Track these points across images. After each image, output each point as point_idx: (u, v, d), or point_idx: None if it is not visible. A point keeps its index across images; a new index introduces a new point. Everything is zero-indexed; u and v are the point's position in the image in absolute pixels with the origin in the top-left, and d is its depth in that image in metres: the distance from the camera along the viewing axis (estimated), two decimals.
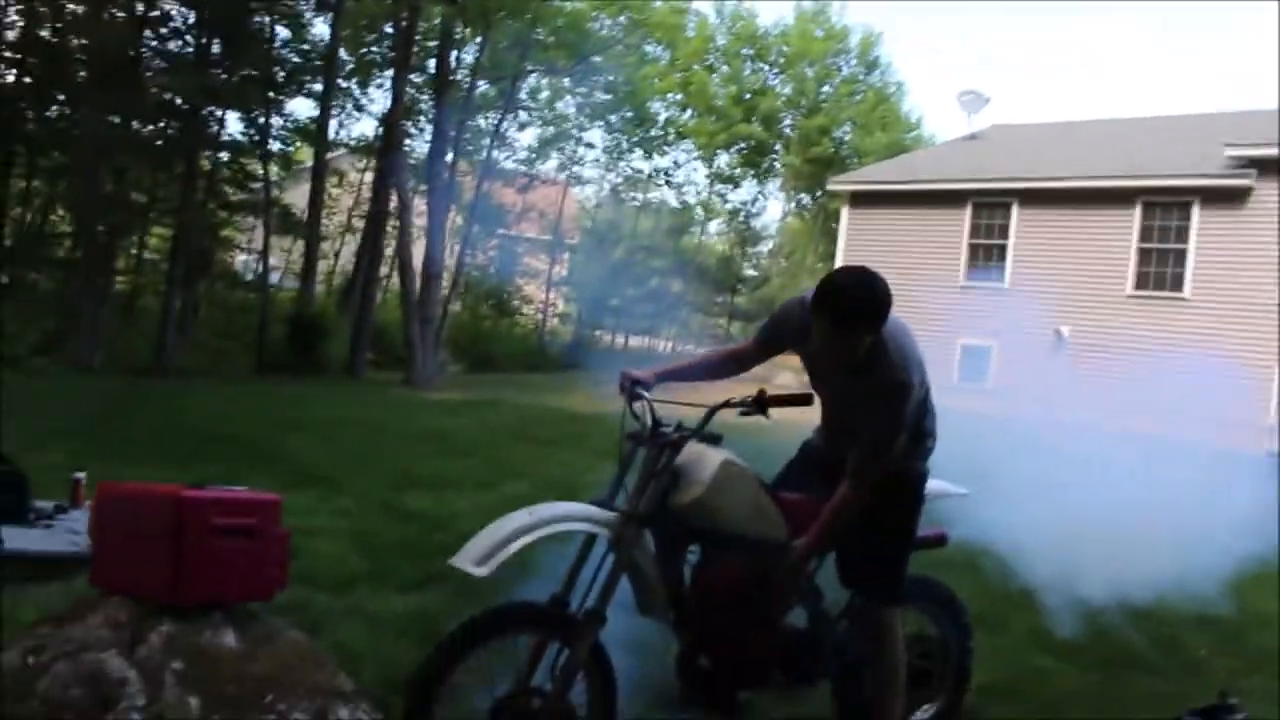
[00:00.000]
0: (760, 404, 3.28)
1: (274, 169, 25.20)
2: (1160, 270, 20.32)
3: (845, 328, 3.19)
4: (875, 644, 3.49)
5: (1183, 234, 20.08)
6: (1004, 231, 21.92)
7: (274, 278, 31.78)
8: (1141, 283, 20.43)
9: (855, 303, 3.17)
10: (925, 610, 4.08)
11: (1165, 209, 20.30)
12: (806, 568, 3.49)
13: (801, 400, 3.31)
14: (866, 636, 3.55)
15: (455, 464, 9.09)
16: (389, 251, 27.08)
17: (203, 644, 3.46)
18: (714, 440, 3.44)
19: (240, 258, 32.91)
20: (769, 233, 40.83)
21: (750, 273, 39.97)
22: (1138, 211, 20.45)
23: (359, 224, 31.21)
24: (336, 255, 34.03)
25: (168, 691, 3.28)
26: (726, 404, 3.34)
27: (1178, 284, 20.02)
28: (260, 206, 23.89)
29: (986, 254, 22.08)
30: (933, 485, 3.97)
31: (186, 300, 23.36)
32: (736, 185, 38.10)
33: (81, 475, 6.03)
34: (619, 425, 3.45)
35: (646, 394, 3.48)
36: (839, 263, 24.26)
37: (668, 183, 37.50)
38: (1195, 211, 19.86)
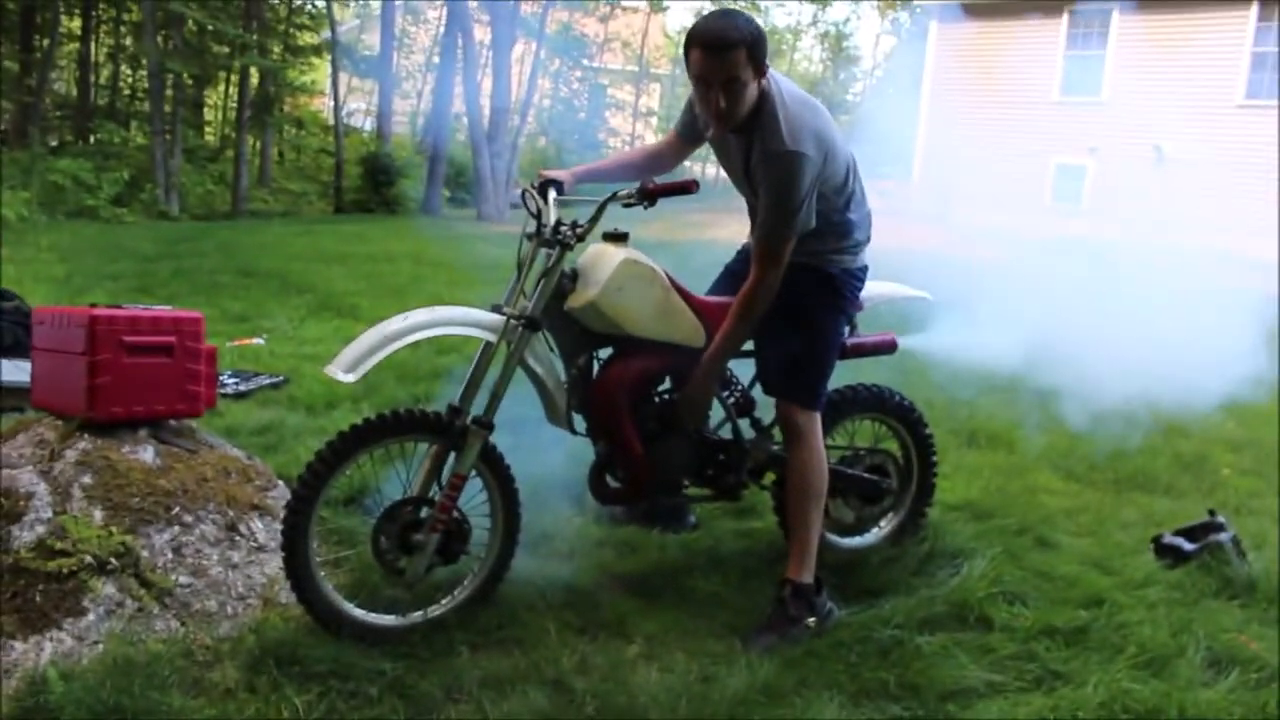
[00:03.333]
0: (644, 195, 3.02)
1: (342, 9, 24.90)
2: (1275, 76, 18.89)
3: (720, 56, 2.89)
4: (788, 451, 3.28)
5: None
6: (1102, 41, 20.53)
7: (358, 121, 31.89)
8: (1253, 91, 19.05)
9: (727, 26, 2.90)
10: (881, 422, 3.84)
11: None
12: (718, 371, 3.27)
13: (685, 189, 3.04)
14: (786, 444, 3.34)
15: (488, 292, 8.86)
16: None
17: (116, 459, 3.43)
18: (619, 239, 3.20)
19: (328, 103, 32.98)
20: (862, 54, 39.23)
21: (846, 97, 38.61)
22: (1253, 10, 18.90)
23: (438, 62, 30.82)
24: (418, 96, 33.81)
25: (74, 504, 3.26)
26: (613, 198, 3.09)
27: None
28: (327, 48, 23.66)
29: (1084, 66, 20.77)
30: (885, 287, 3.70)
31: (264, 146, 23.50)
32: (828, 5, 36.48)
33: None
34: (522, 228, 3.24)
35: (558, 194, 3.24)
36: (928, 83, 23.19)
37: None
38: None
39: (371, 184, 22.87)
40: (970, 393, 6.17)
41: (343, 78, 27.37)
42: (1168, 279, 7.59)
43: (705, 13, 3.05)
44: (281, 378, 5.78)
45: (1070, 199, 19.64)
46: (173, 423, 3.75)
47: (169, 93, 22.00)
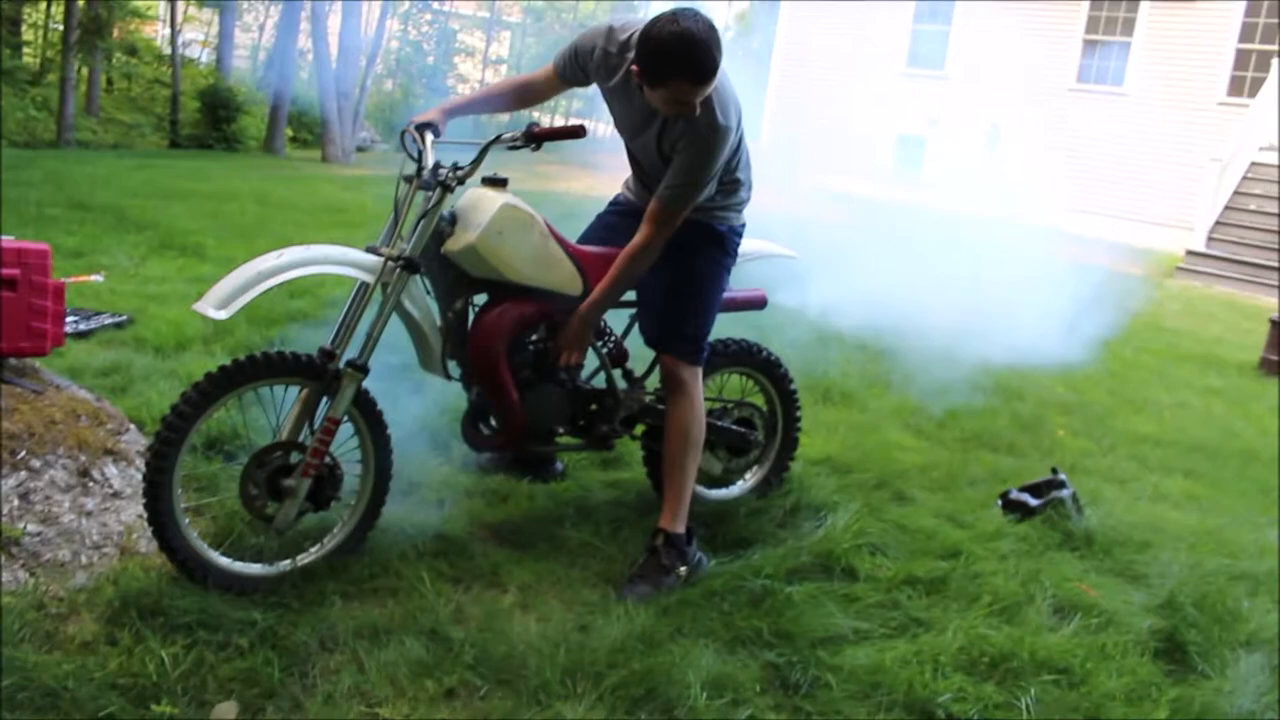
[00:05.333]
0: (530, 138, 2.98)
1: None
2: (1103, 64, 19.86)
3: (708, 82, 2.86)
4: (669, 403, 3.31)
5: (1129, 26, 19.55)
6: (947, 17, 21.18)
7: (194, 53, 30.36)
8: (1083, 76, 19.99)
9: (709, 49, 2.82)
10: (748, 376, 3.91)
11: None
12: (595, 320, 3.27)
13: (573, 133, 3.01)
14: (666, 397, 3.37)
15: (339, 235, 8.72)
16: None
17: None
18: (498, 184, 3.15)
19: (162, 31, 31.32)
20: (714, 14, 39.31)
21: None
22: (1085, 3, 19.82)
23: None
24: (260, 29, 32.38)
25: None
26: (497, 139, 3.04)
27: (1119, 78, 19.61)
28: None
29: (928, 41, 21.39)
30: (758, 245, 3.75)
31: (92, 73, 22.14)
32: None
33: None
34: (399, 170, 3.15)
35: (433, 136, 3.16)
36: (778, 51, 23.48)
37: None
38: (1142, 4, 19.27)
39: (210, 119, 21.84)
40: (820, 351, 6.34)
41: (179, 5, 25.99)
42: (1000, 250, 7.97)
43: (661, 20, 2.85)
44: (125, 317, 5.50)
45: (911, 168, 20.26)
46: (14, 361, 3.54)
47: None
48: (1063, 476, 4.20)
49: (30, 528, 2.98)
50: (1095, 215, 17.98)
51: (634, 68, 2.92)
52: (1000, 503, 4.17)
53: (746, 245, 3.54)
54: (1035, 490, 4.15)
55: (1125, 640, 3.14)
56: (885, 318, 6.72)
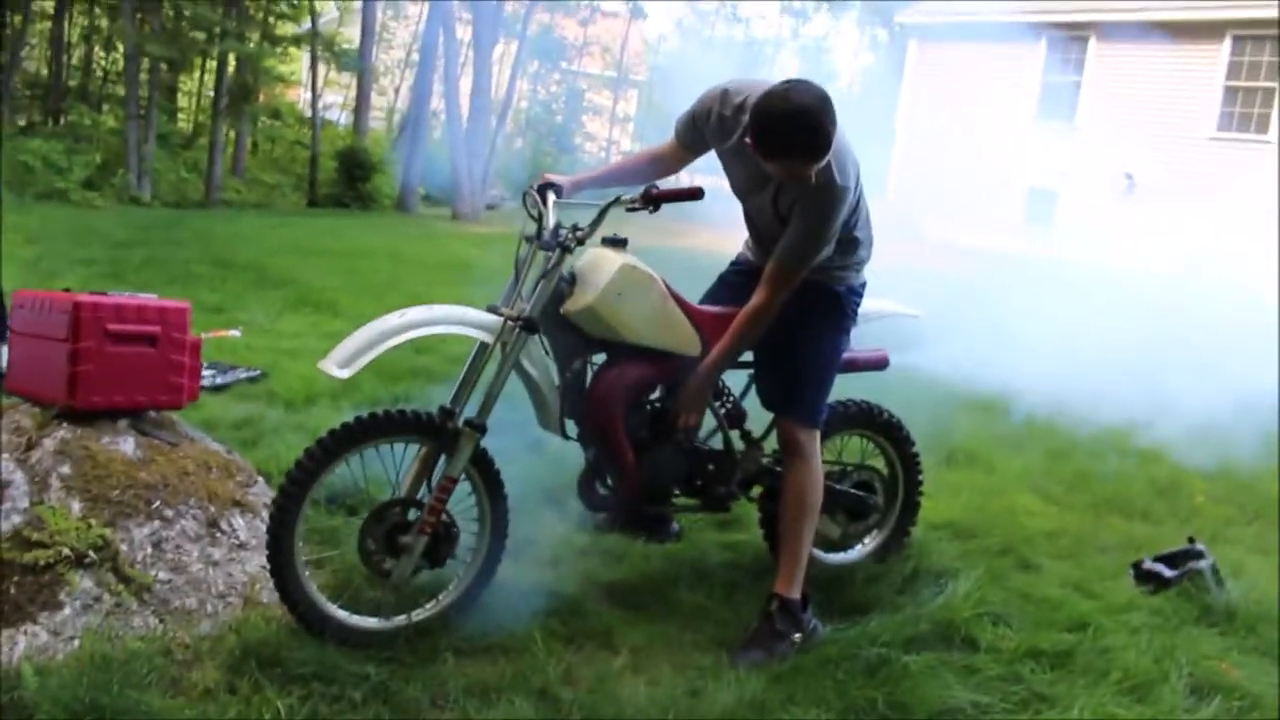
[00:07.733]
0: (648, 200, 3.00)
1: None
2: (1245, 111, 19.16)
3: (821, 158, 2.86)
4: (786, 467, 3.27)
5: (1274, 71, 18.83)
6: (1079, 67, 20.74)
7: (333, 115, 31.66)
8: (1224, 124, 19.31)
9: (829, 129, 2.81)
10: (869, 438, 3.84)
11: (1257, 42, 18.98)
12: (713, 381, 3.26)
13: (691, 195, 3.02)
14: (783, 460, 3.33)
15: (468, 292, 8.84)
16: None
17: (96, 449, 3.36)
18: (618, 244, 3.18)
19: (304, 95, 32.76)
20: (839, 70, 39.45)
21: None
22: (1226, 45, 19.17)
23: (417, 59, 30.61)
24: (396, 91, 33.63)
25: (51, 495, 3.18)
26: (615, 202, 3.07)
27: (1263, 126, 18.89)
28: (306, 39, 23.47)
29: (1059, 92, 20.96)
30: (879, 304, 3.70)
31: (239, 136, 23.22)
32: (808, 19, 36.69)
33: None
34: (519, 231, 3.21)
35: (554, 197, 3.22)
36: (905, 102, 23.32)
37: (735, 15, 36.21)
38: None
39: (347, 178, 22.73)
40: (945, 411, 6.19)
41: (320, 70, 27.20)
42: (1137, 306, 7.68)
43: (774, 94, 2.84)
44: (259, 371, 5.71)
45: (1042, 221, 19.81)
46: (153, 414, 3.69)
47: (143, 76, 21.72)
48: (1201, 546, 4.00)
49: (161, 575, 3.09)
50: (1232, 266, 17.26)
51: (747, 140, 2.93)
52: (1132, 573, 3.99)
53: (868, 305, 3.49)
54: (1171, 560, 3.96)
55: None
56: (1017, 379, 6.53)
